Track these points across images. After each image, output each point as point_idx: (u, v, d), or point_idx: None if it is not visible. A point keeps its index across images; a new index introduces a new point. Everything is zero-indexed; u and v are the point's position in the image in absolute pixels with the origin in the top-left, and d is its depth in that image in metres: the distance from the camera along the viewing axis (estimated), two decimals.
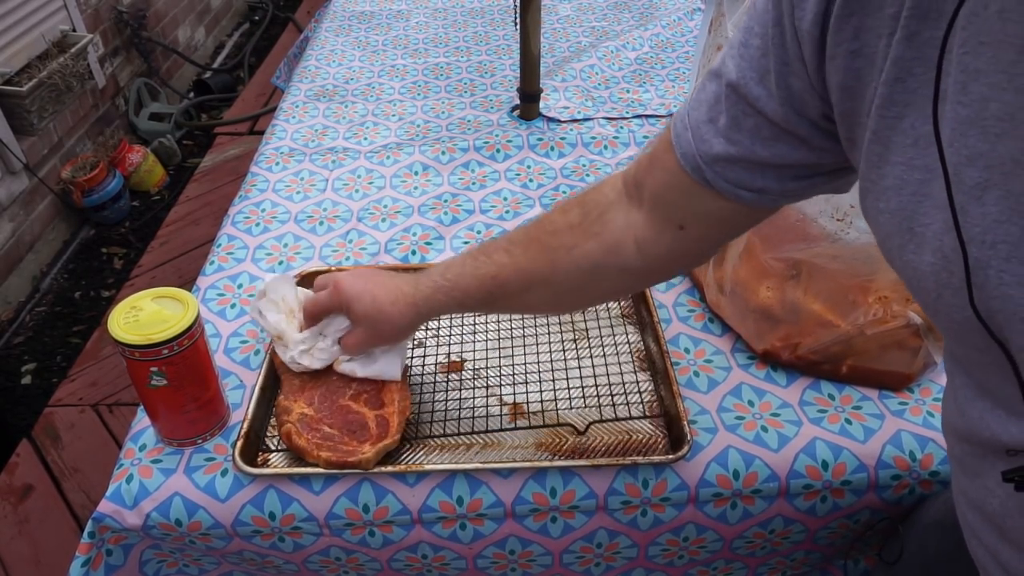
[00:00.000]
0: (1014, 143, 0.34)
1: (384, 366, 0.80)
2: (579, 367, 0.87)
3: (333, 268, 1.01)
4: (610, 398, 0.83)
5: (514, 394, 0.84)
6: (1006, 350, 0.37)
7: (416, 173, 1.25)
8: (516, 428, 0.79)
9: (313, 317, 0.80)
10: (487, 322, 0.94)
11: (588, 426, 0.78)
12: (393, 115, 1.43)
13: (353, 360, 0.81)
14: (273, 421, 0.81)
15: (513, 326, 0.93)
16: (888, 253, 0.44)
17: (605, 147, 1.30)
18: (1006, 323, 0.36)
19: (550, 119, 1.38)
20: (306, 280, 0.98)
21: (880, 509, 0.78)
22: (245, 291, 0.99)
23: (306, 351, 0.80)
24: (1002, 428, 0.40)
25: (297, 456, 0.76)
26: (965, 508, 0.48)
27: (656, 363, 0.86)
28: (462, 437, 0.79)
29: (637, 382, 0.85)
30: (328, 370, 0.83)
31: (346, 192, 1.20)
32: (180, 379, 0.73)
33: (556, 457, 0.76)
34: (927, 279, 0.40)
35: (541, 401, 0.83)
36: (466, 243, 1.08)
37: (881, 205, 0.42)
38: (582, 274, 0.65)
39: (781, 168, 0.51)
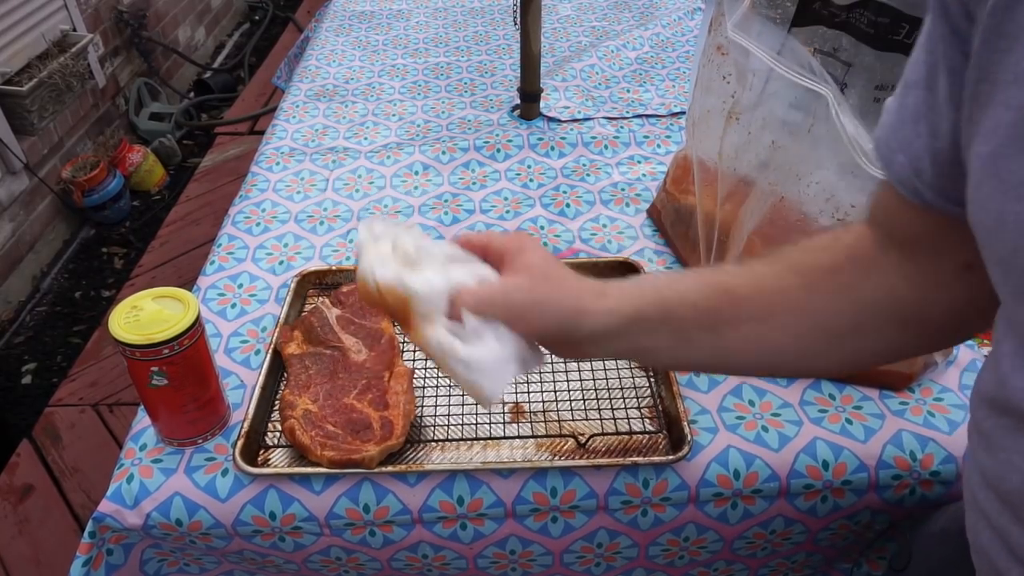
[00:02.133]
0: None
1: (494, 367, 0.52)
2: (579, 367, 0.87)
3: (333, 267, 1.01)
4: (609, 398, 0.83)
5: (515, 393, 0.84)
6: None
7: (416, 173, 1.25)
8: (518, 436, 0.79)
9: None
10: None
11: (590, 438, 0.78)
12: (393, 115, 1.43)
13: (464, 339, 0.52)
14: (275, 415, 0.81)
15: None
16: (973, 204, 0.39)
17: (605, 147, 1.30)
18: None
19: (550, 119, 1.38)
20: (305, 280, 0.99)
21: (881, 510, 0.78)
22: (245, 291, 0.99)
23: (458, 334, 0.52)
24: None
25: (298, 452, 0.76)
26: (978, 488, 0.46)
27: None
28: (464, 433, 0.79)
29: (636, 381, 0.85)
30: (335, 366, 0.83)
31: (346, 192, 1.20)
32: (181, 379, 0.73)
33: (556, 457, 0.76)
34: (1010, 230, 0.35)
35: (542, 401, 0.83)
36: None
37: (983, 150, 0.38)
38: (851, 309, 0.52)
39: None
